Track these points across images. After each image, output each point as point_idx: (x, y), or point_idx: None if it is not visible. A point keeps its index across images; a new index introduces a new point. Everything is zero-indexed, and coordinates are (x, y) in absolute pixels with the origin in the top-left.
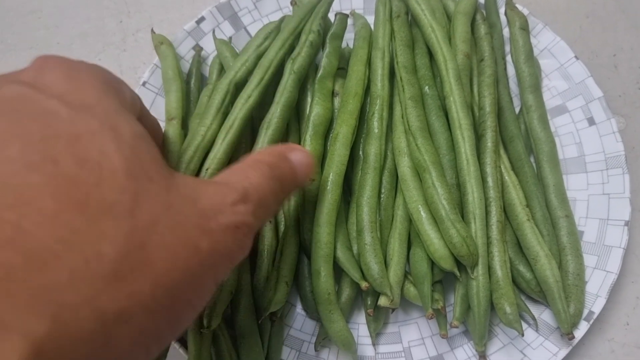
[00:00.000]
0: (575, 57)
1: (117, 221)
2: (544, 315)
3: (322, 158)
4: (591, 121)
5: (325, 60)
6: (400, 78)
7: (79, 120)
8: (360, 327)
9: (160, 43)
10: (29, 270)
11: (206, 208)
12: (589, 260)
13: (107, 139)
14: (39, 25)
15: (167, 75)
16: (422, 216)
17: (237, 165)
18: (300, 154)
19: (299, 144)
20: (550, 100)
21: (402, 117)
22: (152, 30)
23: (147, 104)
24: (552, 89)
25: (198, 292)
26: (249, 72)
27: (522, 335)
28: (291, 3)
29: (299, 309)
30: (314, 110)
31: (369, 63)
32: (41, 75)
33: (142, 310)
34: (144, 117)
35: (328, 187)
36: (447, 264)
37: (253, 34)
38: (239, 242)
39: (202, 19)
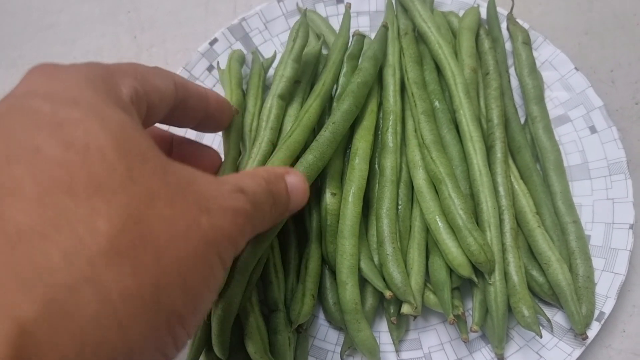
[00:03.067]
0: (575, 68)
1: (110, 197)
2: (556, 317)
3: (342, 173)
4: (593, 129)
5: (343, 80)
6: (412, 93)
7: (62, 111)
8: (382, 335)
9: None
10: (14, 254)
11: (204, 190)
12: (597, 263)
13: (92, 123)
14: (56, 40)
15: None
16: (440, 226)
17: (234, 174)
18: (296, 178)
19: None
20: (552, 110)
21: (416, 131)
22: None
23: (163, 125)
24: (555, 99)
25: (207, 269)
26: (290, 81)
27: (541, 336)
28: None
29: (321, 319)
30: None
31: (380, 80)
32: (27, 83)
33: (151, 286)
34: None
35: (350, 200)
36: (465, 271)
37: (265, 53)
38: (238, 226)
39: (215, 40)
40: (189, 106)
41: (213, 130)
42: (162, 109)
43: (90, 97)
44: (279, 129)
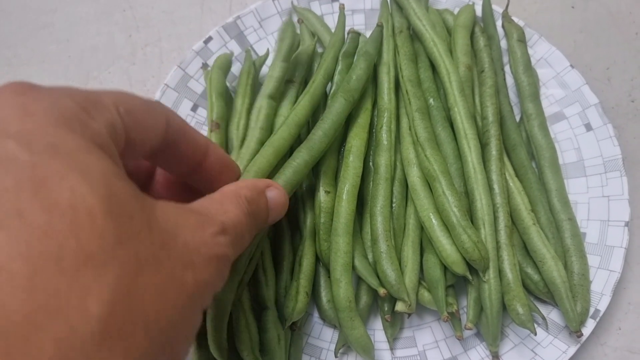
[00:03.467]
0: (571, 65)
1: (100, 270)
2: (551, 314)
3: (336, 171)
4: (588, 127)
5: (338, 77)
6: (407, 91)
7: (42, 163)
8: (377, 333)
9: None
10: (9, 349)
11: (188, 241)
12: (592, 260)
13: (77, 179)
14: (51, 40)
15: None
16: (434, 223)
17: (217, 196)
18: (277, 192)
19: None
20: (548, 107)
21: (410, 129)
22: None
23: None
24: (550, 96)
25: (189, 324)
26: (279, 81)
27: (535, 334)
28: (298, 21)
29: (315, 317)
30: None
31: (374, 78)
32: None
33: (142, 359)
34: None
35: (344, 198)
36: (459, 268)
37: (259, 51)
38: (220, 272)
39: (210, 38)
40: (180, 151)
41: (208, 189)
42: (143, 147)
43: (68, 141)
44: (269, 129)
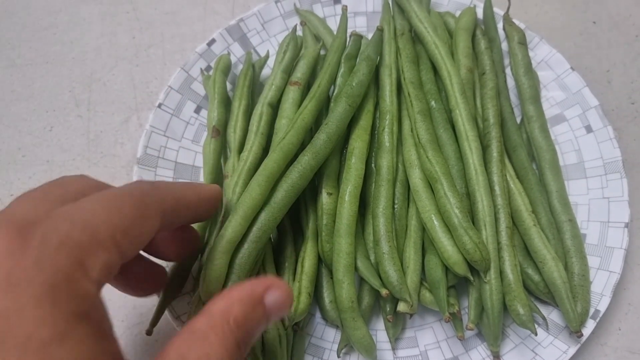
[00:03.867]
0: (571, 68)
1: None
2: (552, 315)
3: (338, 173)
4: (589, 129)
5: (340, 80)
6: (408, 93)
7: None
8: (379, 333)
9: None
10: None
11: None
12: (592, 261)
13: None
14: (55, 41)
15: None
16: (435, 225)
17: (201, 327)
18: (278, 295)
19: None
20: (549, 109)
21: (412, 131)
22: None
23: (162, 125)
24: (550, 99)
25: None
26: (279, 90)
27: (536, 334)
28: (301, 23)
29: (318, 318)
30: None
31: (376, 80)
32: None
33: None
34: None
35: (347, 200)
36: (461, 269)
37: (262, 53)
38: None
39: (213, 41)
40: (175, 224)
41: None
42: (136, 251)
43: (45, 328)
44: (269, 134)
